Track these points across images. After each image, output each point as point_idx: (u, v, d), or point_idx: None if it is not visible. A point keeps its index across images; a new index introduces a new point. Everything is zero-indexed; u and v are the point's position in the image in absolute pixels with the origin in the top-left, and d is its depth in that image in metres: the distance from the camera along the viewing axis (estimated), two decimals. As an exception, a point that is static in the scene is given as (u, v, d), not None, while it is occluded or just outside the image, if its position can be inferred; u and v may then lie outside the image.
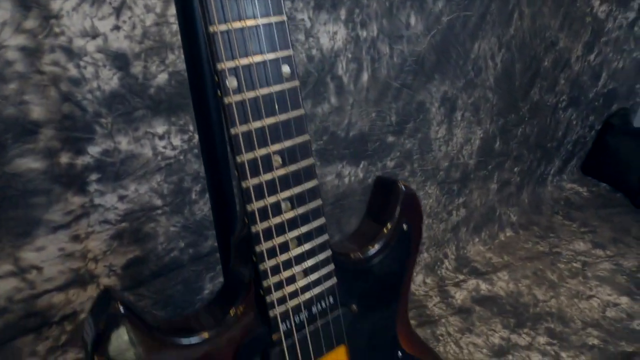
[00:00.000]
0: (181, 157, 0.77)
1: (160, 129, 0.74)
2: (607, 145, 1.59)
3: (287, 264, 0.41)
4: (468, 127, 1.20)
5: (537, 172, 1.51)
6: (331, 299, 0.44)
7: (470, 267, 1.33)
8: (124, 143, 0.71)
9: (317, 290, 0.43)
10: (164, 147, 0.75)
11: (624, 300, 1.22)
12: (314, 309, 0.43)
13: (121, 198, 0.73)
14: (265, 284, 0.40)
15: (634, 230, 1.45)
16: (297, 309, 0.42)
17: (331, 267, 0.43)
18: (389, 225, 0.47)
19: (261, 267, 0.39)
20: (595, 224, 1.48)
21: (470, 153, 1.24)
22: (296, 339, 0.42)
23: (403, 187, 0.48)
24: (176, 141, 0.76)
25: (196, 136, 0.78)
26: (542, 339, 1.12)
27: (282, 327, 0.41)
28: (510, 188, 1.44)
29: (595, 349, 1.09)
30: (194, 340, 0.39)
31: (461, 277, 1.29)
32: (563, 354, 1.08)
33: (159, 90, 0.71)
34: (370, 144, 1.02)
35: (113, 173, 0.71)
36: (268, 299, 0.40)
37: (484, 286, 1.27)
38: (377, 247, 0.47)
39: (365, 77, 0.94)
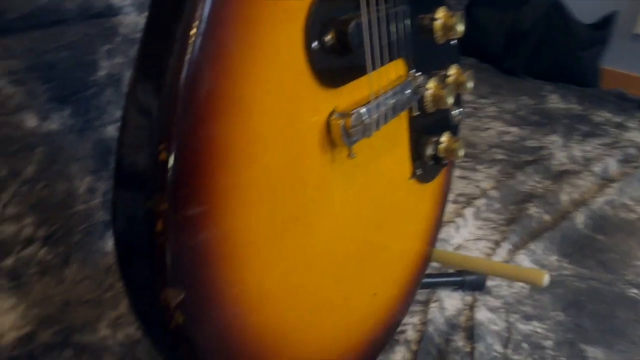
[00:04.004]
0: None
1: None
2: (472, 17, 1.70)
3: None
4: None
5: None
6: None
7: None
8: None
9: None
10: None
11: (514, 129, 1.30)
12: None
13: None
14: None
15: (505, 86, 1.58)
16: None
17: None
18: None
19: None
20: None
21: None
22: None
23: None
24: None
25: None
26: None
27: None
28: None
29: (503, 161, 1.14)
30: None
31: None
32: (479, 166, 1.10)
33: None
34: None
35: None
36: None
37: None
38: None
39: None
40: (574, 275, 0.81)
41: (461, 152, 0.49)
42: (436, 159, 0.47)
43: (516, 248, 0.85)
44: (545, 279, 0.49)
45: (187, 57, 0.23)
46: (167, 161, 0.23)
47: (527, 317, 0.71)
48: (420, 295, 0.74)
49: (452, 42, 0.47)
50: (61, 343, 0.61)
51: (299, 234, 0.32)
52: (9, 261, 0.64)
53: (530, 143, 1.23)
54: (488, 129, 1.29)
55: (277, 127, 0.29)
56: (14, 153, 0.60)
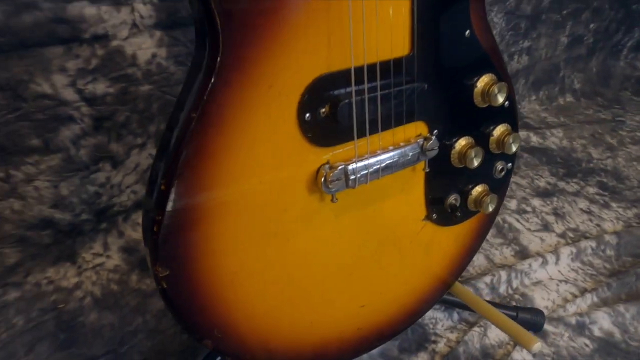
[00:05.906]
0: None
1: None
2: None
3: None
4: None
5: (613, 39, 1.36)
6: None
7: (522, 122, 1.23)
8: None
9: None
10: None
11: (689, 170, 1.11)
12: None
13: None
14: None
15: None
16: None
17: None
18: None
19: None
20: (667, 104, 1.34)
21: (547, -12, 1.11)
22: None
23: None
24: None
25: None
26: (591, 189, 1.04)
27: None
28: (581, 49, 1.31)
29: (649, 205, 1.01)
30: None
31: (511, 128, 1.20)
32: (613, 204, 1.00)
33: None
34: None
35: None
36: None
37: (534, 138, 1.18)
38: None
39: None
40: (657, 353, 0.74)
41: (490, 208, 0.52)
42: (455, 208, 0.51)
43: (602, 303, 0.79)
44: (535, 346, 0.50)
45: (191, 127, 0.35)
46: (165, 192, 0.35)
47: (573, 376, 0.70)
48: (472, 316, 0.77)
49: (505, 105, 0.49)
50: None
51: (276, 247, 0.42)
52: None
53: (701, 192, 1.05)
54: (653, 162, 1.13)
55: (262, 174, 0.39)
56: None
